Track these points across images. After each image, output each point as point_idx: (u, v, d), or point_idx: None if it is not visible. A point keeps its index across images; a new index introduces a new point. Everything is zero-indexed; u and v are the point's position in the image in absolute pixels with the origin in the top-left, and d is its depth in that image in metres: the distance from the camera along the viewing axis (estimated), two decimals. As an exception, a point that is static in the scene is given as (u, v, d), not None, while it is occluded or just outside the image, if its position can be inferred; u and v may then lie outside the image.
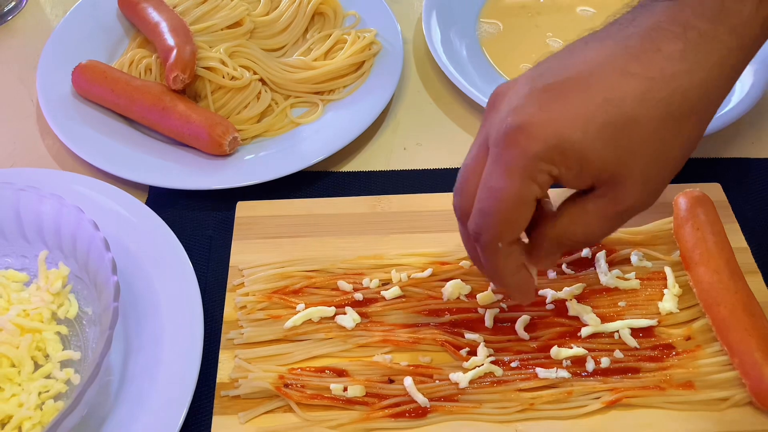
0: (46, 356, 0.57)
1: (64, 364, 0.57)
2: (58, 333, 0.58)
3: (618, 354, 0.58)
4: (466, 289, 0.62)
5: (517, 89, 0.45)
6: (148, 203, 0.70)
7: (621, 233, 0.65)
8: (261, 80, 0.78)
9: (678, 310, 0.61)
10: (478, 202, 0.46)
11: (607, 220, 0.47)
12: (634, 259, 0.64)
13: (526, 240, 0.51)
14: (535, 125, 0.43)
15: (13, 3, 0.91)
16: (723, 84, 0.45)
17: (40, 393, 0.55)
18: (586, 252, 0.64)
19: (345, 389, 0.56)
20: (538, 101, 0.43)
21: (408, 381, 0.56)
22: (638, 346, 0.59)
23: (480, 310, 0.61)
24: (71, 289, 0.60)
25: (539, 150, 0.43)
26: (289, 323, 0.59)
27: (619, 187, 0.45)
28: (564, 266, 0.64)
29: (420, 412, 0.55)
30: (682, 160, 0.46)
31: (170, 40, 0.75)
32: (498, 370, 0.57)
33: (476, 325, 0.60)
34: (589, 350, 0.58)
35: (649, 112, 0.42)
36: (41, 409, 0.54)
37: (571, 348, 0.58)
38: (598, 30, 0.47)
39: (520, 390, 0.56)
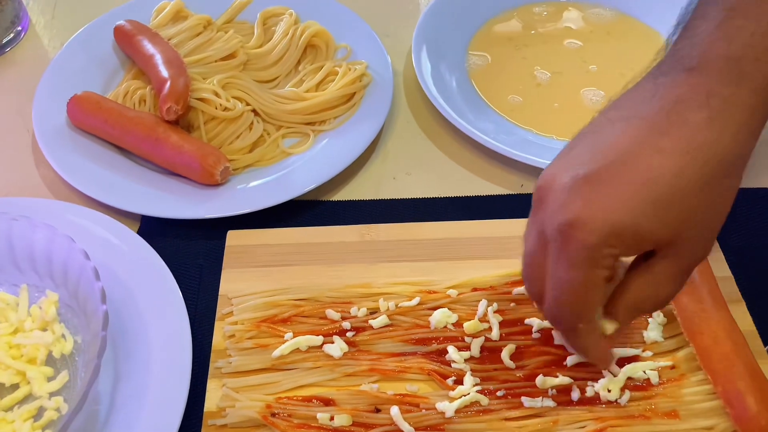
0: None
1: (53, 392, 0.58)
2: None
3: (603, 383, 0.58)
4: (453, 317, 0.62)
5: (561, 182, 0.47)
6: (140, 232, 0.70)
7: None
8: (253, 111, 0.80)
9: (663, 339, 0.61)
10: (551, 293, 0.48)
11: (675, 277, 0.49)
12: (619, 288, 0.64)
13: None
14: (586, 220, 0.45)
15: (11, 35, 0.92)
16: (751, 137, 0.47)
17: (25, 420, 0.55)
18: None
19: (332, 418, 0.56)
20: (581, 194, 0.45)
21: (394, 410, 0.56)
22: (623, 375, 0.59)
23: (467, 339, 0.61)
24: (60, 319, 0.60)
25: (595, 240, 0.45)
26: (276, 352, 0.60)
27: (679, 248, 0.47)
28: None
29: (406, 441, 0.55)
30: (729, 207, 0.48)
31: (164, 72, 0.76)
32: (484, 399, 0.57)
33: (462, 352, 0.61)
34: (575, 379, 0.59)
35: (689, 184, 0.45)
36: (28, 439, 0.54)
37: (557, 377, 0.58)
38: (619, 100, 0.49)
39: (506, 419, 0.56)
